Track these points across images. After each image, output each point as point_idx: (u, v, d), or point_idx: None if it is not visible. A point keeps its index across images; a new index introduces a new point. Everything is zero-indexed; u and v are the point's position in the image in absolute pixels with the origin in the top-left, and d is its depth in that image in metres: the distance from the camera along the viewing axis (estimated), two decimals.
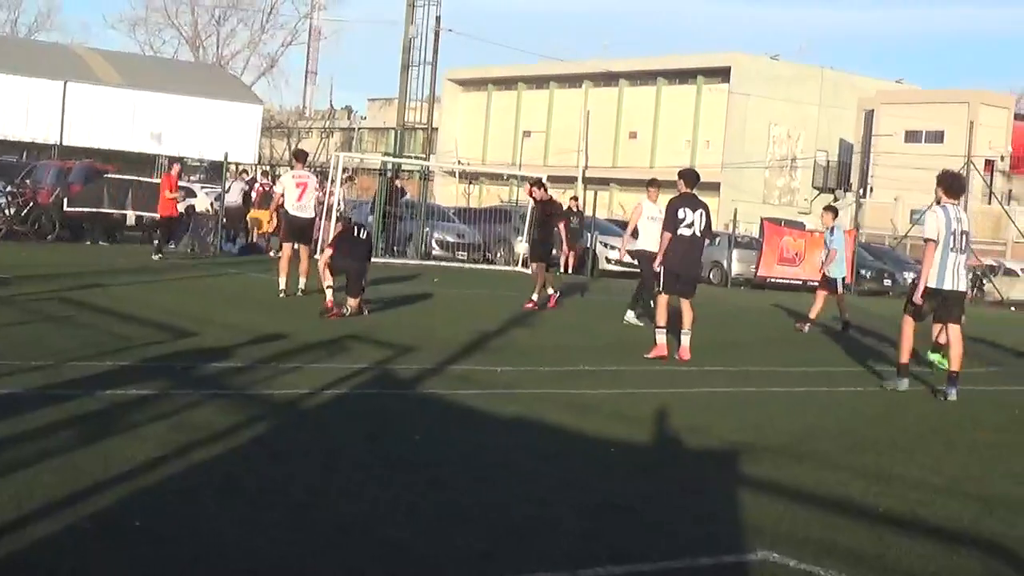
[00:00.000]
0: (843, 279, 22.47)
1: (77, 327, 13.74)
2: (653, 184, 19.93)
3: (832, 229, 22.10)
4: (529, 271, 23.22)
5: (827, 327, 21.42)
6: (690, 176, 15.96)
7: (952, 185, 13.59)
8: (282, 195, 20.13)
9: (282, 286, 19.17)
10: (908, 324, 13.66)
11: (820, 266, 22.69)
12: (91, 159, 36.10)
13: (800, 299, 28.26)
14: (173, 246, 31.45)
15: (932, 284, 13.24)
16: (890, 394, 13.63)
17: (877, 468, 9.14)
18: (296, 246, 19.85)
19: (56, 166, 33.93)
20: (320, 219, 30.53)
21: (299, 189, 19.79)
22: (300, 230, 19.95)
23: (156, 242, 27.84)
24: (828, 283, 21.72)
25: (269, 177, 36.59)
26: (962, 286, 13.47)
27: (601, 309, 22.26)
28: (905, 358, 13.80)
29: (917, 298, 13.40)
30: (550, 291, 21.61)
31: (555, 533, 6.75)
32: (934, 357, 15.35)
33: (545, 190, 22.26)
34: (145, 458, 7.42)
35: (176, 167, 30.52)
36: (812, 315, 21.24)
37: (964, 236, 13.33)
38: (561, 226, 22.84)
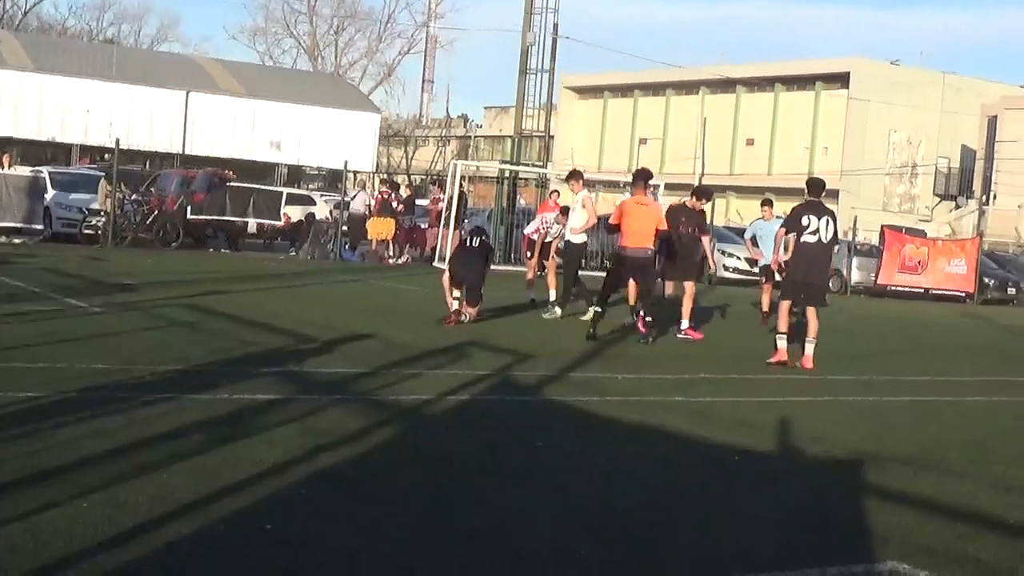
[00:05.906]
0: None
1: (203, 332, 13.99)
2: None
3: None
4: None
5: (952, 335, 21.05)
6: (814, 185, 15.84)
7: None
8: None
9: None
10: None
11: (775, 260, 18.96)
12: (214, 168, 36.64)
13: (922, 307, 27.81)
14: (293, 253, 31.93)
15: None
16: (1017, 405, 13.46)
17: (1007, 479, 8.99)
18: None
19: (180, 175, 34.50)
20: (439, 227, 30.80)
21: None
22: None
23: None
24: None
25: (387, 185, 36.86)
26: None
27: (719, 318, 22.07)
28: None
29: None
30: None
31: (678, 541, 6.73)
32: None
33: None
34: (273, 462, 7.52)
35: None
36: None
37: None
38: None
